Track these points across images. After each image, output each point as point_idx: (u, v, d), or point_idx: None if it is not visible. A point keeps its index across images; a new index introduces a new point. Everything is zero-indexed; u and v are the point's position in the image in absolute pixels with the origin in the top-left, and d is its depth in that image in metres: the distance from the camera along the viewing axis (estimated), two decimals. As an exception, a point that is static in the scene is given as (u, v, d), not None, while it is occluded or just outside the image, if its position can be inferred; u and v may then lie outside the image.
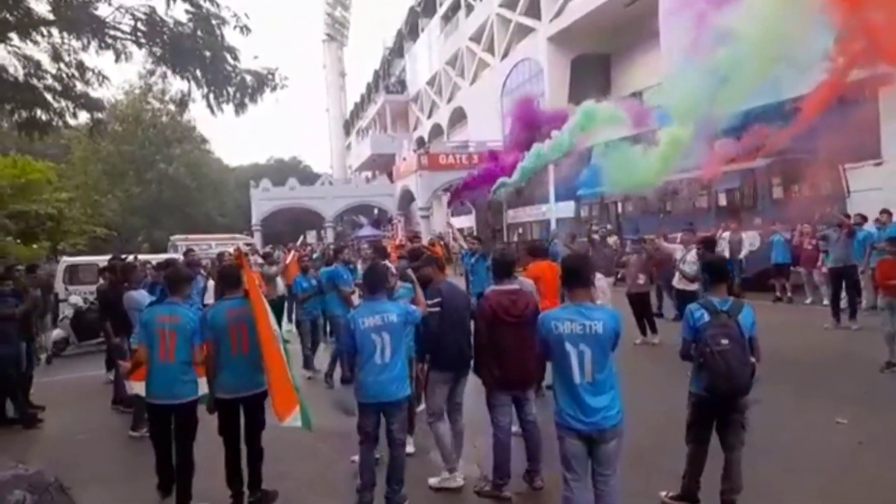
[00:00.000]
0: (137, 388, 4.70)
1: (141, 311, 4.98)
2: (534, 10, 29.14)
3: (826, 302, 11.09)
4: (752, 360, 3.55)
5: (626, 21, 25.23)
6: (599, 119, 8.99)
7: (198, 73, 7.78)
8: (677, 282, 8.18)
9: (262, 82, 8.20)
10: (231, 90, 8.00)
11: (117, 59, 7.93)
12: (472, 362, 4.41)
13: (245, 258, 5.85)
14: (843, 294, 9.57)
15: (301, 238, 22.22)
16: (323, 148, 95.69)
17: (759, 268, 12.30)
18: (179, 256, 22.23)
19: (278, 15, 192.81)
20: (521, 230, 32.32)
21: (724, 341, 3.44)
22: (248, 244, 31.70)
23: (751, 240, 12.23)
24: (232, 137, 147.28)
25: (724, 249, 12.62)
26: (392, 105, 52.12)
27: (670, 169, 7.60)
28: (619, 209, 18.30)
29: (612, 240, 16.65)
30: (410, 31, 50.09)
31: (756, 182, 13.17)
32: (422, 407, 5.10)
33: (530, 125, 10.75)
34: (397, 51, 54.72)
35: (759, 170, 13.02)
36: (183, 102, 8.95)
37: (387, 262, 7.62)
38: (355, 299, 7.40)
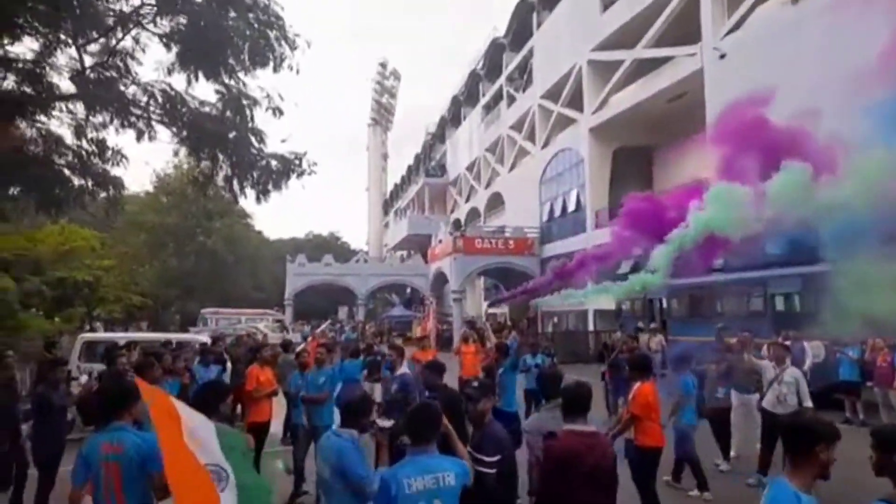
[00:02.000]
0: None
1: None
2: (576, 103, 29.38)
3: (907, 428, 9.85)
4: None
5: (669, 115, 25.09)
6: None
7: (220, 155, 7.43)
8: (773, 405, 7.09)
9: (289, 168, 7.75)
10: (255, 175, 7.58)
11: (139, 139, 7.72)
12: None
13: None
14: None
15: (327, 320, 21.32)
16: (361, 226, 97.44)
17: (826, 382, 11.05)
18: (206, 332, 21.89)
19: (329, 98, 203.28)
20: (556, 319, 31.21)
21: None
22: (277, 320, 31.36)
23: (815, 350, 11.06)
24: (274, 212, 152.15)
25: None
26: (431, 187, 52.85)
27: None
28: (664, 305, 17.26)
29: (657, 340, 15.62)
30: (453, 118, 51.48)
31: (820, 287, 12.12)
32: None
33: (756, 144, 6.09)
34: (439, 136, 56.15)
35: (824, 274, 12.01)
36: (204, 184, 8.64)
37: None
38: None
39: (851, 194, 4.90)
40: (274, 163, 7.68)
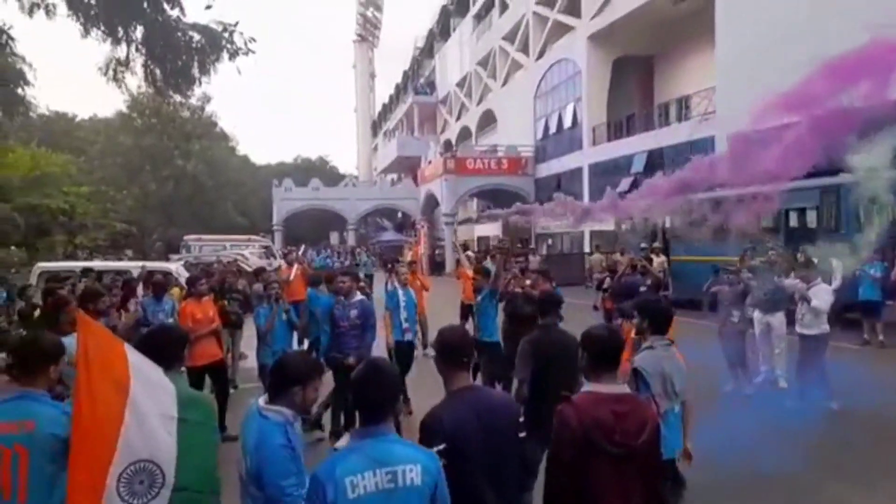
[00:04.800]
0: None
1: None
2: (573, 7, 27.24)
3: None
4: None
5: (673, 19, 23.21)
6: None
7: (136, 34, 5.91)
8: (800, 327, 6.76)
9: (218, 44, 6.18)
10: (171, 55, 6.06)
11: (31, 12, 6.19)
12: None
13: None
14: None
15: (303, 246, 19.74)
16: (350, 149, 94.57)
17: (844, 302, 10.24)
18: (189, 259, 20.87)
19: (312, 15, 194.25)
20: (550, 241, 30.40)
21: None
22: (264, 246, 30.46)
23: (838, 269, 10.19)
24: (261, 135, 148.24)
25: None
26: (420, 106, 50.66)
27: None
28: (665, 224, 16.27)
29: (659, 261, 14.76)
30: (442, 30, 48.54)
31: (840, 201, 11.12)
32: None
33: None
34: (427, 51, 53.22)
35: (845, 187, 10.97)
36: (117, 72, 6.98)
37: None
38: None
39: None
40: (196, 36, 6.11)
